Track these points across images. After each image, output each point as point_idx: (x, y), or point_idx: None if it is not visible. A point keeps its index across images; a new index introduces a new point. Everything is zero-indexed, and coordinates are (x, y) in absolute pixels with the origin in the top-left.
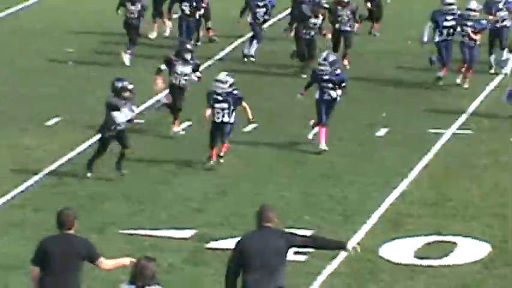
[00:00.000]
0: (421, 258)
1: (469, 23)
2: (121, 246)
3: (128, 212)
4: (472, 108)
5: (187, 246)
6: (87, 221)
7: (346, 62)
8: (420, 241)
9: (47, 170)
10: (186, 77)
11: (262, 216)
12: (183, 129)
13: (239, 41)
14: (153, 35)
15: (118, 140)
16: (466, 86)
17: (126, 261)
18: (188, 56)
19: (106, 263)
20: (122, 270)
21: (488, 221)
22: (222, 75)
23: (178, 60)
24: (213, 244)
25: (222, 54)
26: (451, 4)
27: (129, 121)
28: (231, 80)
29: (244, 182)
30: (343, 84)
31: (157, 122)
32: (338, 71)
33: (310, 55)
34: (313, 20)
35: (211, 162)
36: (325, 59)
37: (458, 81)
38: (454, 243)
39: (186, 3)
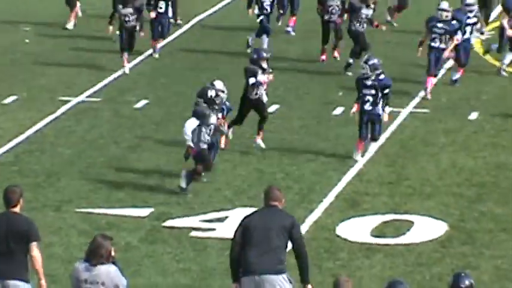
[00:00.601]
0: (378, 236)
1: (440, 25)
2: (77, 225)
3: (85, 190)
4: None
5: (144, 225)
6: (43, 199)
7: (336, 53)
8: (377, 220)
9: (3, 149)
10: (264, 86)
11: (269, 196)
12: (136, 108)
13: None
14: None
15: (202, 158)
16: (429, 96)
17: (42, 279)
18: (265, 65)
19: (37, 252)
20: (80, 248)
21: (445, 199)
22: (220, 84)
23: (257, 68)
24: (169, 222)
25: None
26: (470, 5)
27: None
28: (225, 89)
29: None
30: (386, 91)
31: (114, 99)
32: (382, 76)
33: (363, 48)
34: (364, 11)
35: (203, 178)
36: (365, 62)
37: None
38: (411, 222)
39: (162, 2)
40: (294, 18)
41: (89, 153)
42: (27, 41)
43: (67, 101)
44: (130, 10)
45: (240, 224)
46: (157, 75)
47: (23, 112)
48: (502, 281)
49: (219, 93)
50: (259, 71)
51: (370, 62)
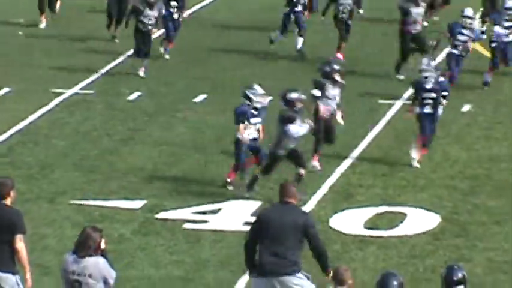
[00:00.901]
0: (371, 229)
1: (465, 32)
2: (71, 217)
3: (79, 182)
4: None
5: (138, 217)
6: (37, 190)
7: (339, 55)
8: (370, 212)
9: None
10: (336, 101)
11: (284, 192)
12: (129, 101)
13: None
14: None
15: (291, 159)
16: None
17: (27, 273)
18: (338, 77)
19: (21, 245)
20: (73, 240)
21: (438, 192)
22: (260, 89)
23: (328, 82)
24: (162, 214)
25: None
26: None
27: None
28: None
29: (193, 152)
30: (445, 94)
31: (107, 91)
32: (441, 78)
33: (422, 51)
34: (415, 10)
35: (230, 187)
36: (428, 65)
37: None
38: (404, 214)
39: (173, 3)
40: (306, 13)
41: (82, 145)
42: (20, 33)
43: (60, 93)
44: (155, 13)
45: (256, 220)
46: (150, 67)
47: (16, 104)
48: (495, 274)
49: (258, 98)
50: (330, 84)
51: (434, 64)
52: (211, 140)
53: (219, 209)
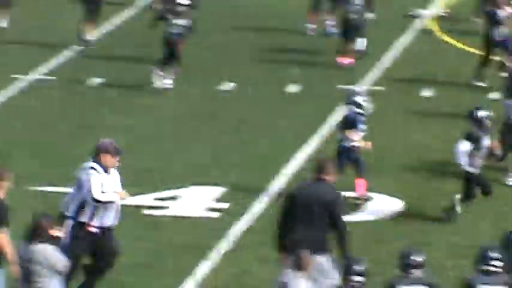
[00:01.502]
0: None
1: None
2: (33, 204)
3: (37, 169)
4: (384, 64)
5: None
6: None
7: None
8: None
9: None
10: None
11: (320, 168)
12: (90, 87)
13: None
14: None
15: (478, 183)
16: None
17: (14, 265)
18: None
19: (2, 238)
20: None
21: (401, 177)
22: (360, 99)
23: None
24: (123, 201)
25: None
26: None
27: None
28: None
29: (154, 139)
30: None
31: (68, 78)
32: None
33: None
34: (500, 13)
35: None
36: None
37: None
38: (367, 198)
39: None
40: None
41: (41, 132)
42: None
43: (19, 79)
44: (183, 22)
45: (286, 197)
46: (113, 54)
47: None
48: (455, 258)
49: (367, 104)
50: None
51: None
52: (172, 128)
53: (180, 195)
